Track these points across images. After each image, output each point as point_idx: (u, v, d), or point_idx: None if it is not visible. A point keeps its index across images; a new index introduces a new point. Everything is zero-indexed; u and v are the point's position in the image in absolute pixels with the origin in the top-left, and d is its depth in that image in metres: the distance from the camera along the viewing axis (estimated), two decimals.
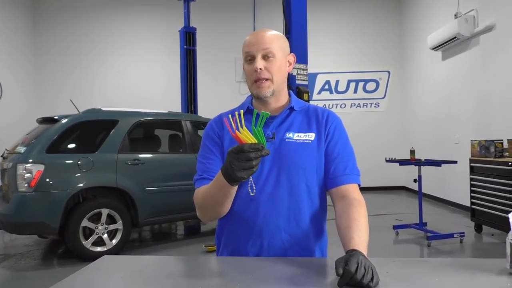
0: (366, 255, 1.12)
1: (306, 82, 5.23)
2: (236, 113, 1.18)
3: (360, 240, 1.19)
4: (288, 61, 1.47)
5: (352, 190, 1.37)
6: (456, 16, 6.83)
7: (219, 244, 1.50)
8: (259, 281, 1.12)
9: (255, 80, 1.40)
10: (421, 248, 4.86)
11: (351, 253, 1.08)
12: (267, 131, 1.41)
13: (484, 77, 6.25)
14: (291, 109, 1.46)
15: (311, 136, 1.41)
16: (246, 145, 1.12)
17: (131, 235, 5.00)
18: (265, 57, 1.39)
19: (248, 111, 1.48)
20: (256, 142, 1.14)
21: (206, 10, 9.17)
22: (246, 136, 1.14)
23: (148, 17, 9.51)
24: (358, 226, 1.25)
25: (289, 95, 1.52)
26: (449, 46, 7.14)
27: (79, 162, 4.48)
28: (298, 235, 1.37)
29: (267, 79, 1.39)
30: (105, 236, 4.57)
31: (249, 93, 1.51)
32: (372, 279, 1.01)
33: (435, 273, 1.13)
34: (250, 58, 1.41)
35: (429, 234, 4.87)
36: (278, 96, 1.45)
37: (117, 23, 9.51)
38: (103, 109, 5.08)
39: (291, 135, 1.41)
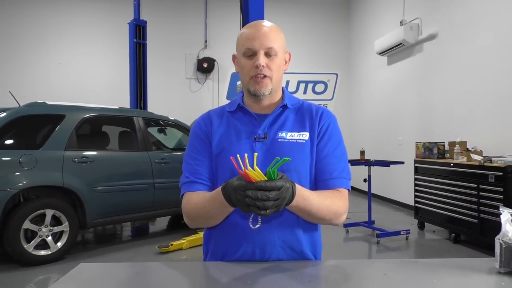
0: (298, 201, 1.13)
1: None
2: (246, 155, 1.06)
3: (309, 193, 1.20)
4: (285, 59, 1.42)
5: (337, 194, 1.33)
6: (401, 23, 7.18)
7: (207, 250, 1.43)
8: (257, 287, 1.08)
9: (254, 76, 1.34)
10: (370, 245, 5.04)
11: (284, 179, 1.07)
12: (258, 131, 1.37)
13: (426, 82, 6.62)
14: (284, 106, 1.41)
15: (305, 135, 1.37)
16: (259, 192, 1.02)
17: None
18: (267, 54, 1.33)
19: (239, 108, 1.43)
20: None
21: (157, 4, 8.90)
22: (258, 177, 1.04)
23: (95, 8, 9.02)
24: (322, 193, 1.27)
25: (282, 91, 1.46)
26: (394, 51, 7.48)
27: (20, 160, 4.15)
28: (292, 239, 1.33)
29: (266, 76, 1.34)
30: (50, 238, 4.27)
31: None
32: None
33: (430, 274, 1.16)
34: (250, 54, 1.34)
35: (378, 232, 5.07)
36: (274, 94, 1.41)
37: (61, 14, 8.92)
38: (48, 102, 4.74)
39: (283, 134, 1.36)
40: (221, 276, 1.17)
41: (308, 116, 1.41)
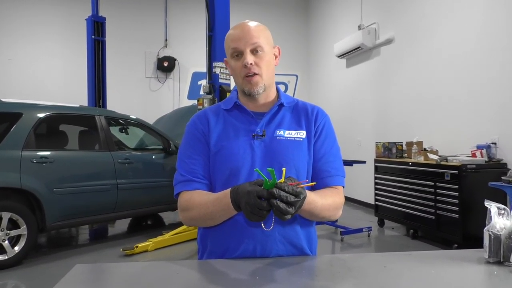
0: (305, 204, 1.17)
1: (229, 82, 5.23)
2: (284, 169, 1.14)
3: (314, 196, 1.25)
4: (274, 54, 1.43)
5: (336, 192, 1.39)
6: (359, 27, 7.42)
7: (204, 248, 1.42)
8: (267, 282, 1.10)
9: (245, 76, 1.35)
10: (334, 242, 5.18)
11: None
12: (256, 129, 1.38)
13: (383, 85, 6.89)
14: (281, 105, 1.43)
15: (302, 134, 1.40)
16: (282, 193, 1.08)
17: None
18: (254, 52, 1.35)
19: (235, 106, 1.44)
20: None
21: (116, 0, 8.63)
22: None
23: (49, 2, 8.60)
24: (323, 193, 1.32)
25: (277, 90, 1.48)
26: (353, 55, 7.73)
27: None
28: (292, 235, 1.36)
29: (256, 74, 1.35)
30: (6, 243, 4.04)
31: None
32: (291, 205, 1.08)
33: (427, 265, 1.22)
34: (237, 54, 1.36)
35: (341, 230, 5.22)
36: (268, 91, 1.42)
37: (12, 7, 8.42)
38: (3, 100, 4.49)
39: (281, 132, 1.38)
40: (228, 273, 1.17)
41: (304, 115, 1.44)
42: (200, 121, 1.43)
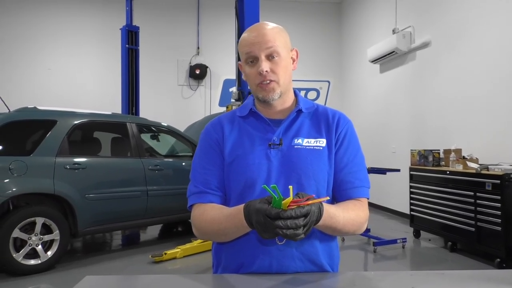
0: (325, 219, 1.10)
1: None
2: (291, 187, 1.04)
3: (335, 210, 1.16)
4: (292, 57, 1.33)
5: (359, 205, 1.29)
6: (394, 31, 7.21)
7: (218, 262, 1.35)
8: None
9: (259, 83, 1.27)
10: (367, 254, 4.99)
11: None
12: (272, 137, 1.30)
13: (419, 90, 6.64)
14: (299, 111, 1.34)
15: (322, 142, 1.30)
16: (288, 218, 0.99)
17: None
18: (269, 57, 1.25)
19: (251, 113, 1.36)
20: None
21: (149, 10, 8.82)
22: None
23: (86, 13, 8.90)
24: (346, 207, 1.23)
25: (295, 95, 1.39)
26: (387, 59, 7.51)
27: (10, 166, 4.02)
28: (311, 251, 1.27)
29: (272, 81, 1.26)
30: (40, 247, 4.14)
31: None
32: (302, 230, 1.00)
33: (460, 286, 1.10)
34: (252, 60, 1.27)
35: (374, 241, 5.02)
36: (285, 98, 1.33)
37: (52, 18, 8.77)
38: (39, 108, 4.63)
39: (300, 141, 1.29)
40: None
41: (324, 121, 1.35)
42: (214, 129, 1.36)
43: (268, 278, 1.17)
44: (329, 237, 1.32)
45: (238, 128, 1.35)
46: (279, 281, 1.15)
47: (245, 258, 1.26)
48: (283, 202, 0.99)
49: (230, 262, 1.30)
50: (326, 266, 1.30)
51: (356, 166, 1.32)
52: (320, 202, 1.08)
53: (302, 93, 9.73)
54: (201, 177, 1.31)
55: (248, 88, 5.17)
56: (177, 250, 4.69)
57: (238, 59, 1.36)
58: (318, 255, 1.28)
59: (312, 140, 1.31)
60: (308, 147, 1.29)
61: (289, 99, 1.36)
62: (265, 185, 1.02)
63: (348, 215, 1.21)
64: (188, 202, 1.33)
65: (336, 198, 1.33)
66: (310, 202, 1.02)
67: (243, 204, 1.11)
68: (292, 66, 1.33)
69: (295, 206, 0.99)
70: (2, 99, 4.68)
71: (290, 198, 1.00)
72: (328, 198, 1.06)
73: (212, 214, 1.23)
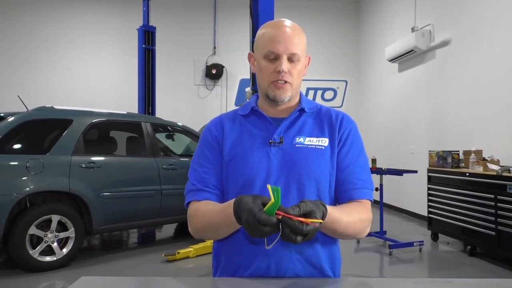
0: (327, 222, 1.06)
1: None
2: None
3: (338, 213, 1.13)
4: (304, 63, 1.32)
5: (363, 208, 1.25)
6: (413, 30, 7.06)
7: (218, 264, 1.33)
8: None
9: (274, 81, 1.25)
10: (382, 256, 4.90)
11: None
12: (273, 135, 1.27)
13: (439, 90, 6.49)
14: (302, 110, 1.32)
15: (325, 141, 1.28)
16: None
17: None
18: (290, 60, 1.24)
19: (253, 112, 1.34)
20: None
21: (166, 10, 8.87)
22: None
23: (103, 13, 9.03)
24: (348, 209, 1.19)
25: (299, 95, 1.37)
26: (406, 58, 7.37)
27: (27, 164, 4.09)
28: (311, 253, 1.23)
29: (287, 82, 1.25)
30: (55, 244, 4.20)
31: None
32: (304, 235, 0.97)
33: None
34: (273, 57, 1.24)
35: (390, 243, 4.92)
36: (292, 100, 1.32)
37: (69, 18, 8.93)
38: (56, 107, 4.70)
39: (301, 139, 1.27)
40: None
41: (327, 121, 1.32)
42: (215, 127, 1.35)
43: (265, 283, 1.14)
44: (331, 240, 1.29)
45: (239, 127, 1.33)
46: (277, 286, 1.12)
47: (242, 259, 1.24)
48: (268, 205, 0.95)
49: (229, 265, 1.28)
50: (327, 270, 1.26)
51: (358, 167, 1.29)
52: (323, 204, 1.04)
53: (319, 93, 9.66)
54: (199, 175, 1.30)
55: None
56: (190, 250, 4.69)
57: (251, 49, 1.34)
58: (319, 258, 1.25)
59: (314, 139, 1.28)
60: (310, 146, 1.26)
61: (294, 100, 1.35)
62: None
63: (351, 218, 1.18)
64: (185, 200, 1.31)
65: (338, 199, 1.29)
66: (303, 220, 0.96)
67: (234, 199, 1.07)
68: (304, 71, 1.32)
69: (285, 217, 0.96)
70: (20, 99, 4.78)
71: (272, 200, 0.95)
72: (321, 221, 1.00)
73: (204, 210, 1.22)
